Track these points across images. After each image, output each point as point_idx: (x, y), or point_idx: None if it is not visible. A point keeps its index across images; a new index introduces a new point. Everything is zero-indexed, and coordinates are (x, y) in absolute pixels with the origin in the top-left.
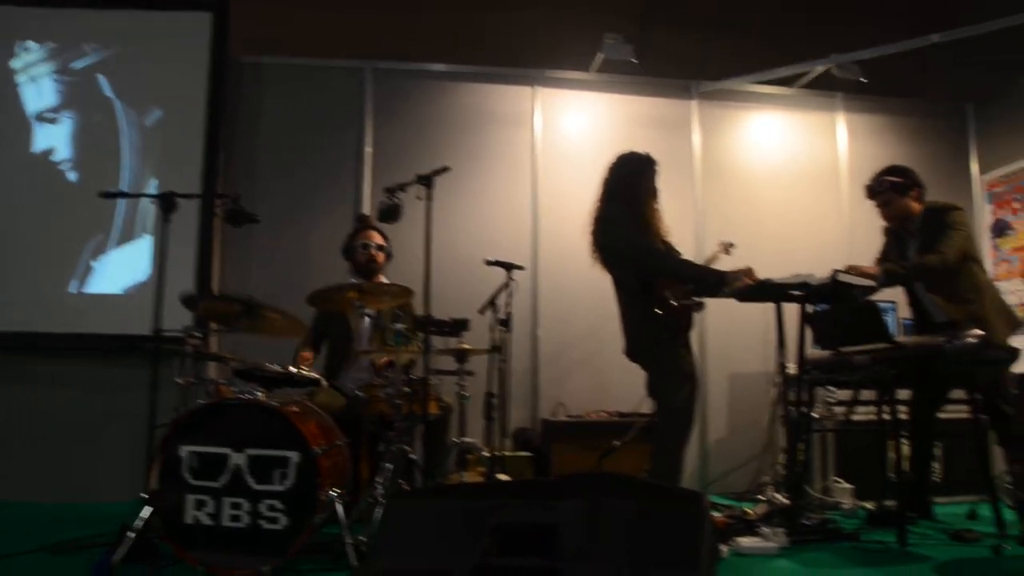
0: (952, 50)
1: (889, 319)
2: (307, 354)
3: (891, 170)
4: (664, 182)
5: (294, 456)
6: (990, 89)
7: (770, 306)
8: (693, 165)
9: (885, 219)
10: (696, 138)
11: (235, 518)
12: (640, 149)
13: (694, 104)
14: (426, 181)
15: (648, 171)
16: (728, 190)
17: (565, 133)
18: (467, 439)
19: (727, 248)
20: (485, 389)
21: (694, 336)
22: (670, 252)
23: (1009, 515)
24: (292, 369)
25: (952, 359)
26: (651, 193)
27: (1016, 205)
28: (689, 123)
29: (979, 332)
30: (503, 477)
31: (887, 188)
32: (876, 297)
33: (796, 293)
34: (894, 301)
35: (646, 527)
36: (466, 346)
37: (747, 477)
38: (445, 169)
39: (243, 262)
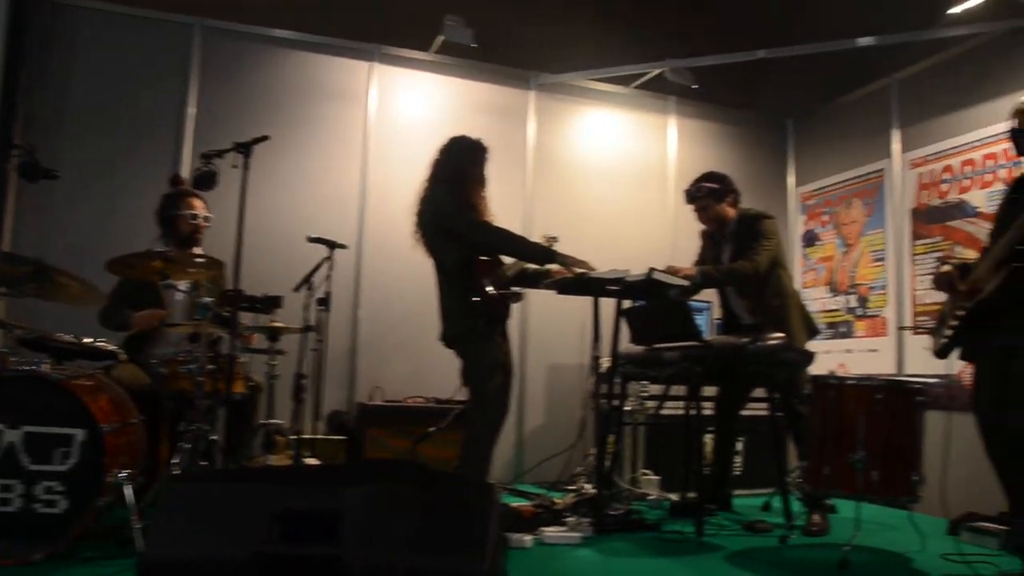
0: (779, 66)
1: (703, 319)
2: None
3: (708, 177)
4: (496, 171)
5: (79, 434)
6: (810, 107)
7: (590, 299)
8: (526, 156)
9: (702, 223)
10: (531, 129)
11: (4, 501)
12: (475, 135)
13: (532, 95)
14: (244, 149)
15: (478, 157)
16: (559, 183)
17: (401, 113)
18: (275, 421)
19: (550, 242)
20: (297, 370)
21: (516, 326)
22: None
23: (797, 507)
24: (87, 340)
25: (753, 359)
26: (479, 179)
27: (825, 218)
28: (526, 113)
29: (779, 335)
30: (312, 461)
31: (705, 194)
32: (694, 297)
33: (613, 288)
34: (709, 301)
35: (433, 516)
36: (278, 324)
37: (560, 467)
38: (264, 138)
39: (41, 222)
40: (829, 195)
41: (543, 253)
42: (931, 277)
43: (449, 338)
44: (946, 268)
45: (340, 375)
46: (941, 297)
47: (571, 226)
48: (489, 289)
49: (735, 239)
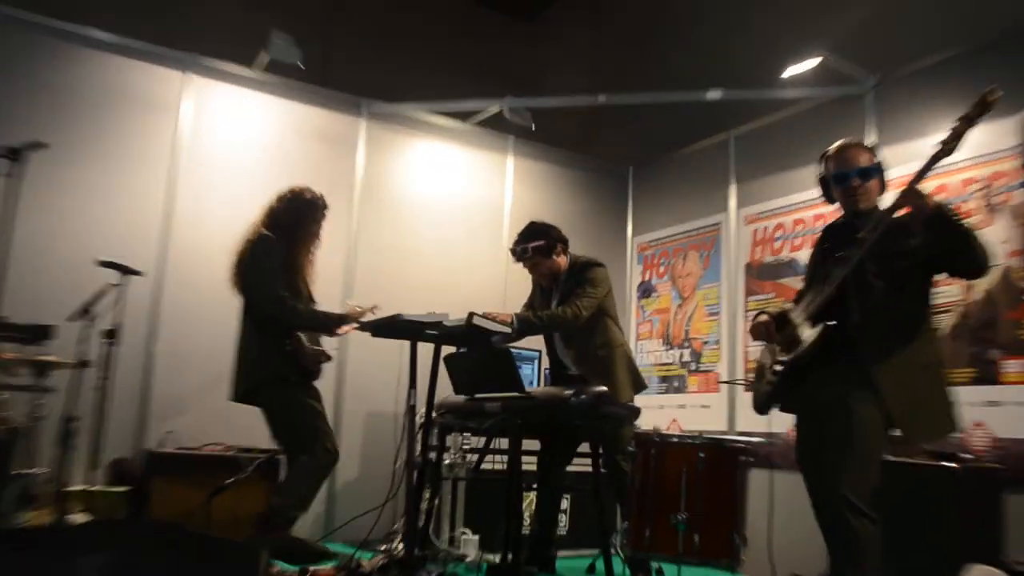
0: (621, 112)
1: (532, 368)
2: None
3: (532, 233)
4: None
5: None
6: (651, 155)
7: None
8: (354, 187)
9: (537, 279)
10: (360, 159)
11: None
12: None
13: (363, 123)
14: (14, 155)
15: (317, 214)
16: (388, 219)
17: (218, 131)
18: (37, 470)
19: (358, 314)
20: (65, 412)
21: (331, 368)
22: (301, 300)
23: (620, 569)
24: None
25: (576, 412)
26: (312, 236)
27: (661, 269)
28: (355, 142)
29: (603, 388)
30: (81, 517)
31: (531, 255)
32: (523, 345)
33: (431, 332)
34: (538, 350)
35: None
36: (47, 357)
37: (374, 524)
38: (41, 145)
39: None
40: (666, 246)
41: (331, 322)
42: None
43: (250, 388)
44: (763, 318)
45: (127, 418)
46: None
47: (398, 266)
48: (304, 342)
49: (564, 286)
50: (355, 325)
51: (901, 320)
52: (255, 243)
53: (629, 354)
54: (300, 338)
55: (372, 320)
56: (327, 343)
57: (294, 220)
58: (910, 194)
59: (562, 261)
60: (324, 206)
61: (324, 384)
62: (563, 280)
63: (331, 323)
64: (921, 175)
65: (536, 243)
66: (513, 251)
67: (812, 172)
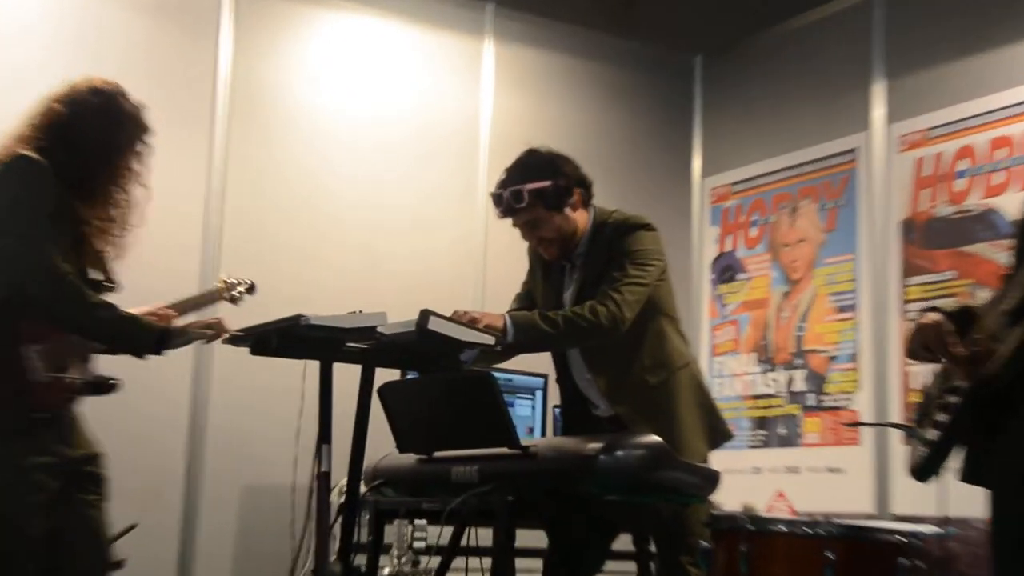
0: None
1: (528, 407)
2: None
3: (528, 169)
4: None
5: None
6: (729, 37)
7: (312, 369)
8: (215, 94)
9: (537, 249)
10: (226, 49)
11: None
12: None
13: None
14: None
15: (133, 134)
16: (277, 146)
17: None
18: None
19: (234, 292)
20: None
21: (178, 409)
22: (99, 288)
23: None
24: None
25: (609, 481)
26: (122, 174)
27: (752, 232)
28: (215, 21)
29: (655, 439)
30: None
31: (528, 204)
32: (517, 367)
33: (355, 347)
34: (543, 375)
35: None
36: None
37: None
38: None
39: None
40: (761, 193)
41: (147, 337)
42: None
43: None
44: (932, 317)
45: None
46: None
47: (295, 226)
48: (38, 367)
49: (586, 264)
50: (211, 335)
51: None
52: (5, 170)
53: (700, 380)
54: (26, 361)
55: (252, 328)
56: (112, 365)
57: (87, 138)
58: None
59: (580, 219)
60: (144, 125)
61: (166, 436)
62: (582, 253)
63: (150, 336)
64: None
65: (536, 184)
66: (497, 199)
67: None
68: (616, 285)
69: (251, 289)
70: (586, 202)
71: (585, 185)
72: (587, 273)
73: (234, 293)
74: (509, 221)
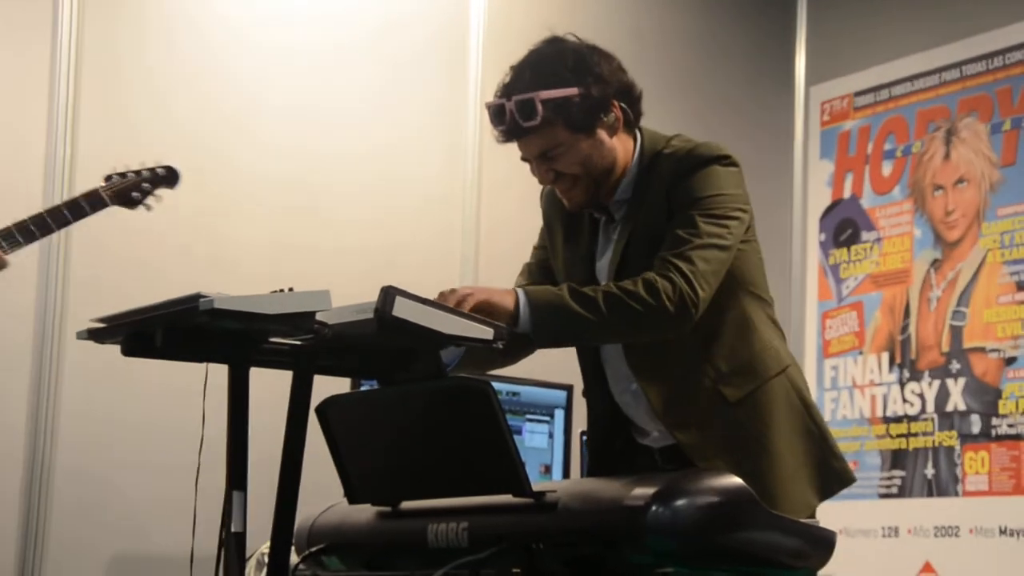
0: None
1: (543, 432)
2: None
3: (547, 65)
4: None
5: None
6: None
7: (217, 374)
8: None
9: (554, 193)
10: None
11: None
12: None
13: None
14: None
15: None
16: (166, 54)
17: None
18: None
19: (131, 189)
20: None
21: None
22: None
23: None
24: None
25: (665, 547)
26: None
27: (886, 169)
28: None
29: (736, 481)
30: None
31: (543, 119)
32: (523, 373)
33: (281, 343)
34: (568, 386)
35: None
36: None
37: None
38: None
39: None
40: (898, 108)
41: None
42: None
43: None
44: None
45: None
46: None
47: (189, 175)
48: None
49: (633, 214)
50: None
51: None
52: None
53: (805, 393)
54: None
55: (122, 315)
56: None
57: None
58: None
59: (622, 148)
60: None
61: None
62: (626, 201)
63: None
64: None
65: (557, 92)
66: (496, 112)
67: None
68: (683, 249)
69: (164, 179)
70: (631, 123)
71: (631, 97)
72: (635, 229)
73: (131, 192)
74: (513, 151)
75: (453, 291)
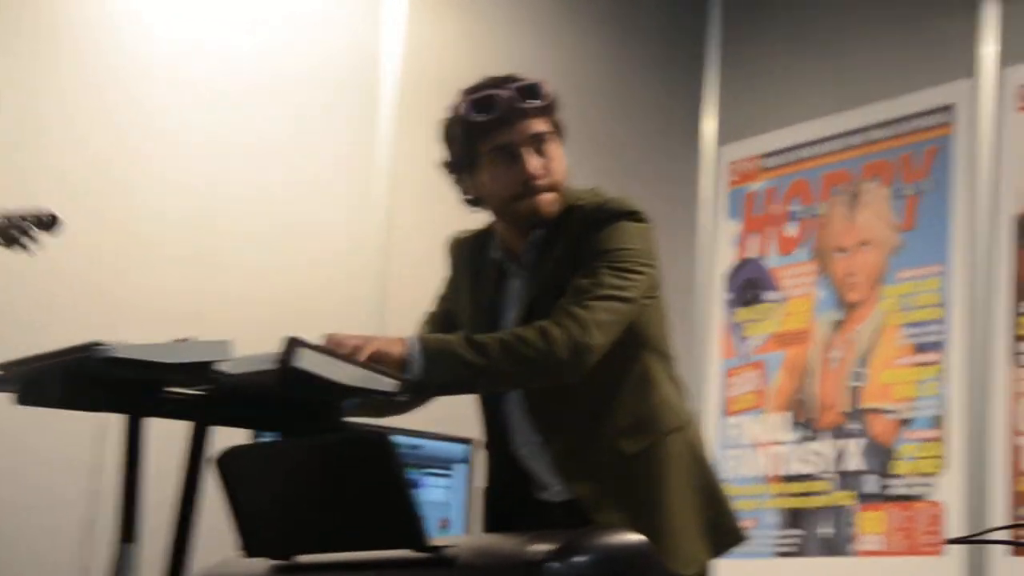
0: None
1: (443, 485)
2: None
3: (536, 83)
4: None
5: None
6: None
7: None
8: None
9: (528, 198)
10: None
11: None
12: None
13: None
14: None
15: None
16: (61, 88)
17: None
18: None
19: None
20: None
21: None
22: None
23: None
24: None
25: None
26: None
27: (790, 230)
28: None
29: (635, 540)
30: None
31: (551, 106)
32: (422, 422)
33: (177, 392)
34: (468, 440)
35: None
36: None
37: None
38: None
39: None
40: (803, 171)
41: None
42: None
43: None
44: None
45: None
46: None
47: (85, 217)
48: None
49: (543, 262)
50: None
51: None
52: None
53: (701, 450)
54: None
55: (15, 363)
56: None
57: None
58: None
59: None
60: None
61: None
62: (536, 245)
63: None
64: None
65: (546, 96)
66: (508, 91)
67: None
68: (581, 298)
69: (47, 225)
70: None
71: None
72: (543, 281)
73: (10, 231)
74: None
75: (343, 338)
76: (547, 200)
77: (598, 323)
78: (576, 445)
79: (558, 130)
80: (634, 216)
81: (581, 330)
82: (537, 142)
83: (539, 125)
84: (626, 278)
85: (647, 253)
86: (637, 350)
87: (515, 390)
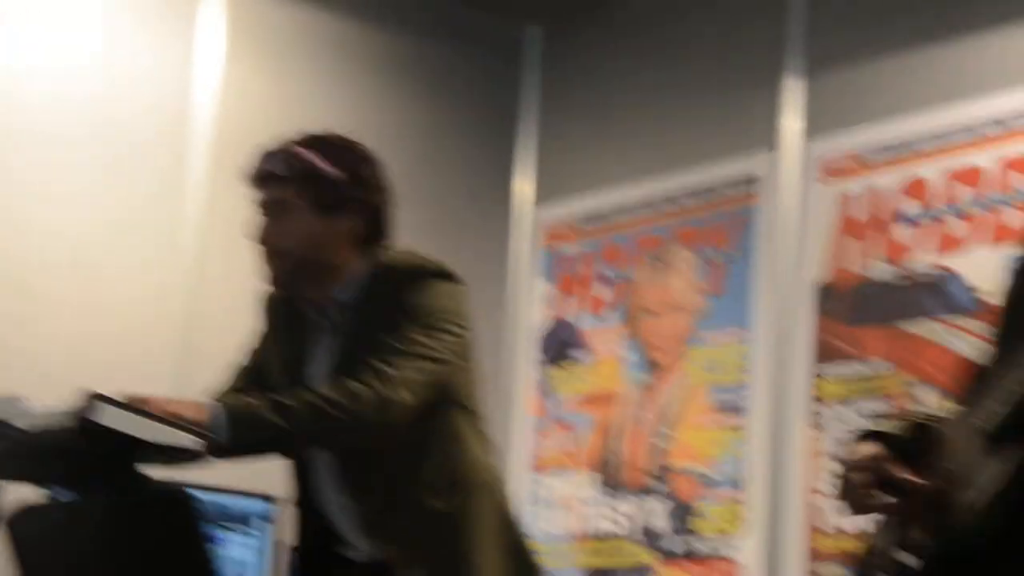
0: None
1: (245, 544)
2: None
3: (327, 142)
4: None
5: None
6: (580, 4)
7: None
8: None
9: (270, 277)
10: None
11: None
12: None
13: None
14: None
15: None
16: None
17: None
18: None
19: None
20: None
21: None
22: None
23: None
24: None
25: None
26: None
27: (603, 291)
28: None
29: None
30: None
31: (293, 177)
32: (225, 480)
33: None
34: (273, 497)
35: None
36: None
37: None
38: None
39: None
40: (616, 235)
41: None
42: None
43: None
44: (866, 450)
45: None
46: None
47: None
48: None
49: (355, 321)
50: None
51: None
52: None
53: (507, 508)
54: None
55: None
56: None
57: None
58: None
59: (349, 248)
60: None
61: None
62: (349, 304)
63: None
64: None
65: (321, 162)
66: (259, 156)
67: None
68: (390, 356)
69: None
70: (368, 237)
71: (376, 217)
72: (353, 337)
73: None
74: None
75: (146, 400)
76: (269, 266)
77: (405, 381)
78: (383, 504)
79: (308, 200)
80: (446, 276)
81: (387, 388)
82: (273, 208)
83: (278, 192)
84: (436, 337)
85: (458, 314)
86: (446, 409)
87: (322, 448)
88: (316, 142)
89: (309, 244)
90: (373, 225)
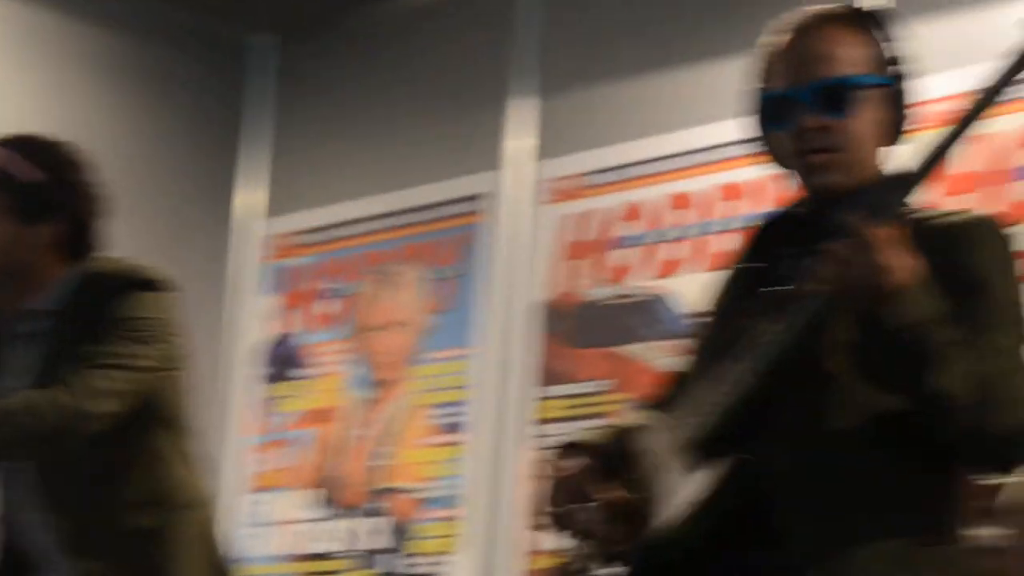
0: None
1: None
2: None
3: (27, 143)
4: None
5: None
6: (319, 15)
7: None
8: None
9: None
10: None
11: None
12: None
13: None
14: None
15: None
16: None
17: None
18: None
19: None
20: None
21: None
22: None
23: None
24: None
25: None
26: None
27: (326, 306)
28: None
29: None
30: None
31: None
32: None
33: None
34: None
35: None
36: None
37: None
38: None
39: None
40: (344, 248)
41: None
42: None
43: None
44: (568, 464)
45: None
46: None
47: None
48: None
49: (54, 331)
50: None
51: (902, 471)
52: None
53: (210, 528)
54: None
55: None
56: None
57: None
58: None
59: (50, 255)
60: None
61: None
62: (51, 312)
63: None
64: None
65: (22, 165)
66: None
67: (727, 74)
68: (89, 365)
69: None
70: (75, 245)
71: (84, 224)
72: (54, 347)
73: None
74: None
75: None
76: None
77: (102, 391)
78: (83, 521)
79: (4, 205)
80: (153, 285)
81: (82, 398)
82: None
83: None
84: (139, 347)
85: (164, 323)
86: (148, 424)
87: (15, 461)
88: (16, 143)
89: (4, 251)
90: (80, 232)
